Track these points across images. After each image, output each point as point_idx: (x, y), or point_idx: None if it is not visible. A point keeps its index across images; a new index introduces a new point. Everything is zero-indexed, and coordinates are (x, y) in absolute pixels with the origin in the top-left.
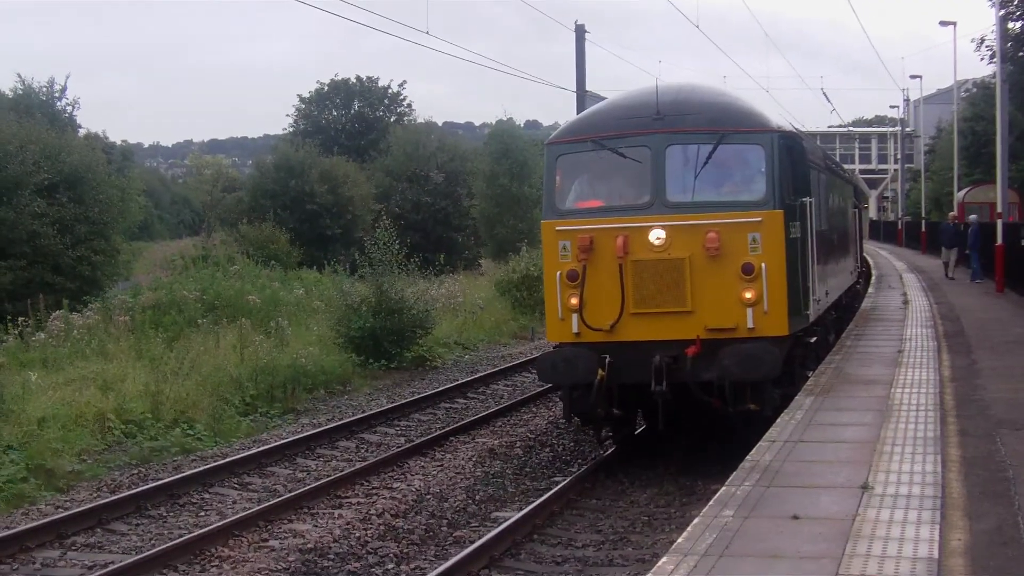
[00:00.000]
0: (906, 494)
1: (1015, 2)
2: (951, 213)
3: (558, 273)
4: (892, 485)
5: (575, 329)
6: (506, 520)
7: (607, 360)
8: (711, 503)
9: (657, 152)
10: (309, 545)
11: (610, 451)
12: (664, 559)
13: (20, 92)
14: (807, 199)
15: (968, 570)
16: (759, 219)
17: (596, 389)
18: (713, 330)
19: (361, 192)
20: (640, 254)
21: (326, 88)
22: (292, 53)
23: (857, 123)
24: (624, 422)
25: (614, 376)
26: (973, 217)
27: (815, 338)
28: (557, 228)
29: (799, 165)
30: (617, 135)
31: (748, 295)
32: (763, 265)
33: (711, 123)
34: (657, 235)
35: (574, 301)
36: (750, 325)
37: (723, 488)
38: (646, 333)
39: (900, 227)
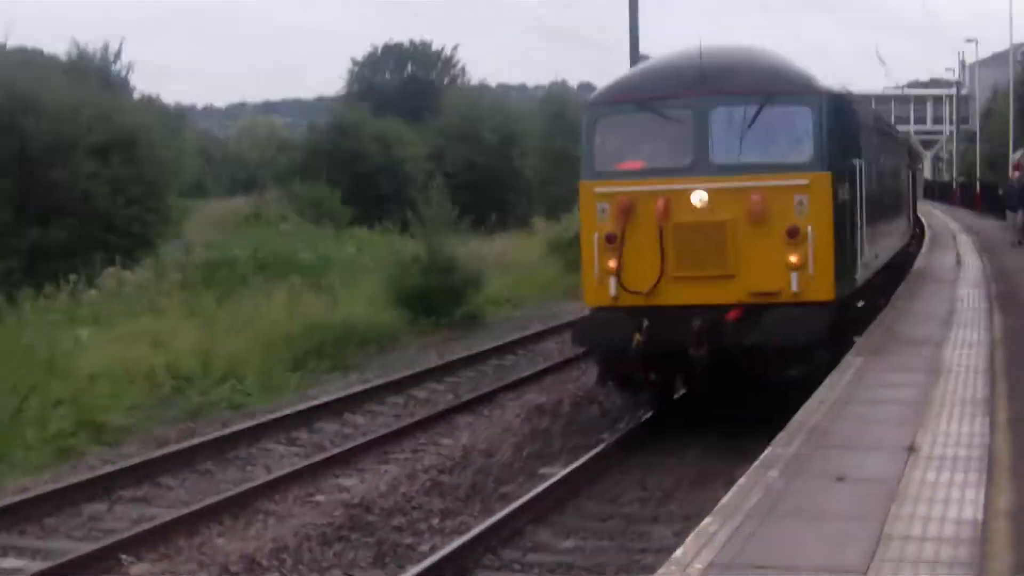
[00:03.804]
0: (952, 456)
1: None
2: (1015, 172)
3: (596, 235)
4: (939, 447)
5: (613, 292)
6: (552, 476)
7: (644, 324)
8: (757, 463)
9: (700, 114)
10: (355, 500)
11: (647, 416)
12: (708, 519)
13: (75, 57)
14: (857, 161)
15: (1012, 532)
16: (806, 181)
17: (632, 354)
18: (756, 294)
19: (414, 152)
20: (681, 217)
21: (379, 52)
22: (346, 14)
23: (913, 85)
24: (662, 387)
25: (651, 341)
26: None
27: (863, 302)
28: (596, 190)
29: (848, 127)
30: (660, 96)
31: (793, 259)
32: (809, 228)
33: (757, 84)
34: (700, 197)
35: (612, 264)
36: (795, 289)
37: (769, 449)
38: (686, 297)
39: (955, 188)
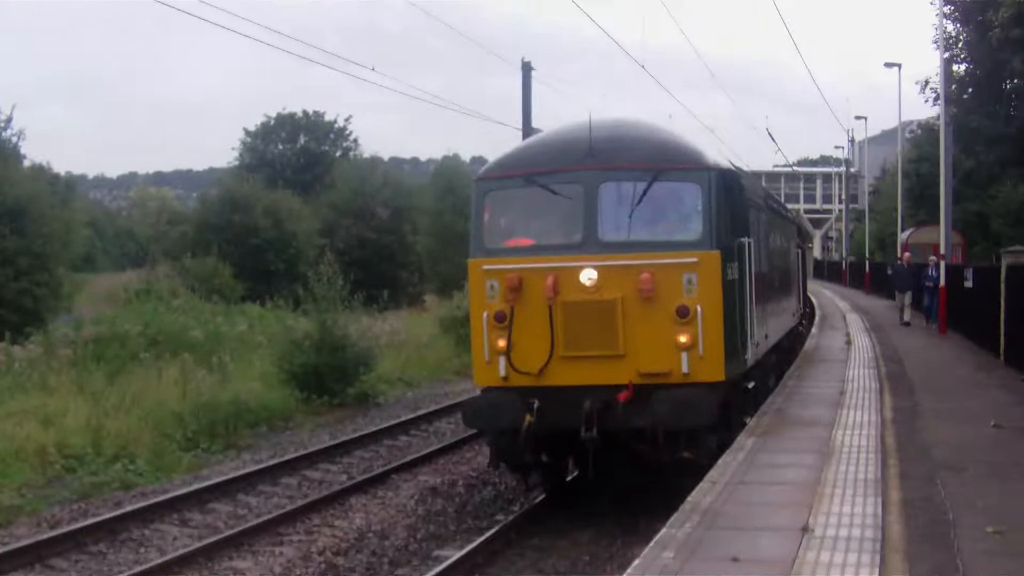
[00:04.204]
0: (846, 536)
1: (959, 45)
2: (906, 254)
3: (485, 314)
4: (832, 527)
5: (502, 373)
6: (447, 559)
7: (535, 405)
8: (651, 545)
9: (590, 189)
10: None
11: (539, 499)
12: None
13: None
14: (746, 239)
15: None
16: (695, 260)
17: (523, 435)
18: (646, 375)
19: (305, 227)
20: (570, 295)
21: (272, 122)
22: (238, 87)
23: (803, 163)
24: (553, 469)
25: (542, 422)
26: (933, 259)
27: (753, 383)
28: (484, 267)
29: (738, 204)
30: (548, 171)
31: (683, 339)
32: (699, 308)
33: (646, 160)
34: (588, 275)
35: (501, 343)
36: (685, 370)
37: (664, 530)
38: (576, 377)
39: (844, 267)
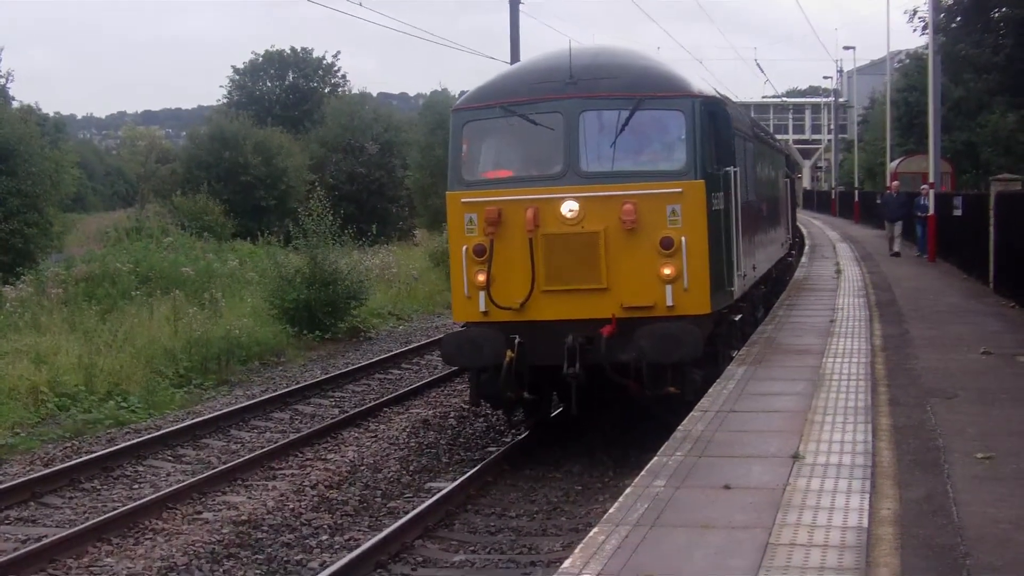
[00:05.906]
0: (837, 463)
1: None
2: (894, 183)
3: (464, 248)
4: (823, 454)
5: (482, 308)
6: (440, 491)
7: (516, 341)
8: (643, 473)
9: (570, 119)
10: (243, 517)
11: (525, 434)
12: (596, 529)
13: None
14: (732, 168)
15: (897, 538)
16: (679, 190)
17: (505, 372)
18: (630, 308)
19: (295, 163)
20: (551, 227)
21: (260, 59)
22: (225, 24)
23: (791, 94)
24: (537, 405)
25: (524, 358)
26: (924, 187)
27: (740, 316)
28: (463, 200)
29: (723, 133)
30: (528, 100)
31: (667, 271)
32: (683, 239)
33: (628, 88)
34: (569, 207)
35: (481, 278)
36: (669, 303)
37: (655, 458)
38: (558, 312)
39: (834, 197)
